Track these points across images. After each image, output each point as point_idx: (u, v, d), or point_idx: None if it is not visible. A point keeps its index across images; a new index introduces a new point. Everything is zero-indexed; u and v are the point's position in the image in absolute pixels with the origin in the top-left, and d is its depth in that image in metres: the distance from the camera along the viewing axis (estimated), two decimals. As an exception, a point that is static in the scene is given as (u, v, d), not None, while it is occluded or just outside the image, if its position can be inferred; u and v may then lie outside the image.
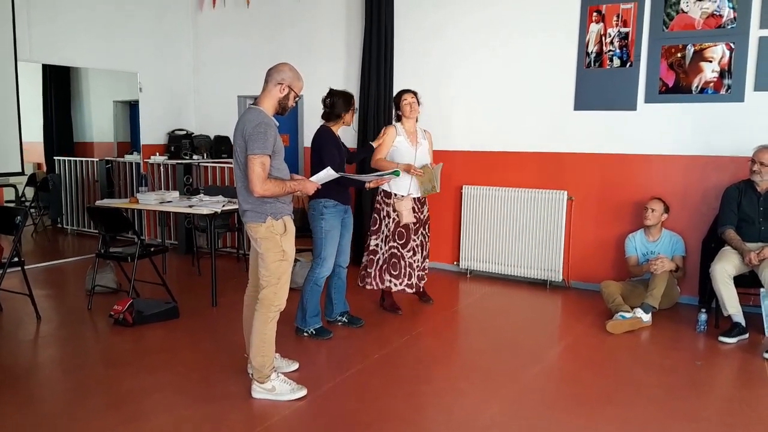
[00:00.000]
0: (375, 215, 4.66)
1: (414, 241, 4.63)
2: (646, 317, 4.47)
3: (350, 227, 4.34)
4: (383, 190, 4.59)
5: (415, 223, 4.62)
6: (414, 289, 4.72)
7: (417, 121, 4.70)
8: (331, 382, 3.48)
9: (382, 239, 4.62)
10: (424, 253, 4.76)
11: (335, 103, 4.16)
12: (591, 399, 3.34)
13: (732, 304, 4.21)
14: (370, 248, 4.65)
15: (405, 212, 4.53)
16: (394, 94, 5.97)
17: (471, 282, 5.81)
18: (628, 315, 4.43)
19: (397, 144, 4.56)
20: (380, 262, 4.62)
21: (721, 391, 3.64)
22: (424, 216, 4.73)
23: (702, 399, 3.45)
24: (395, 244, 4.58)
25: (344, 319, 4.45)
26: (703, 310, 4.45)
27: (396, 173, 4.07)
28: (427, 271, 4.88)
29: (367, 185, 4.18)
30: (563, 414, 3.15)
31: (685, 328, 4.51)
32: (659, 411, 3.21)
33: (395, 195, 4.56)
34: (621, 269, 5.21)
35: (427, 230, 4.78)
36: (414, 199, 4.59)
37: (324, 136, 4.17)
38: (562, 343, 4.34)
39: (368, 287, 4.66)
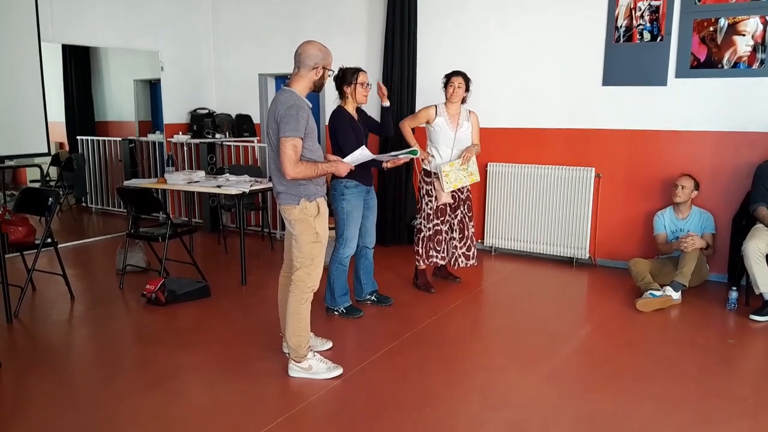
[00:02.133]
0: (418, 195, 4.74)
1: (451, 218, 4.70)
2: (676, 295, 4.45)
3: (374, 208, 4.32)
4: (423, 169, 4.63)
5: (452, 203, 4.66)
6: (451, 263, 4.83)
7: (464, 102, 4.62)
8: (365, 361, 3.51)
9: (424, 217, 4.68)
10: (466, 233, 4.78)
11: (337, 79, 4.07)
12: (625, 377, 3.35)
13: (764, 282, 4.18)
14: (417, 227, 4.76)
15: (443, 192, 4.58)
16: (418, 69, 6.03)
17: (495, 260, 5.81)
18: (658, 293, 4.42)
19: (436, 125, 4.55)
20: (425, 240, 4.69)
21: (754, 369, 3.63)
22: (464, 196, 4.74)
23: (736, 377, 3.45)
24: (437, 221, 4.66)
25: (373, 297, 4.48)
26: (734, 288, 4.43)
27: (414, 152, 3.92)
28: (473, 252, 4.83)
29: (384, 165, 4.06)
30: (598, 392, 3.17)
31: (715, 306, 4.49)
32: (694, 388, 3.22)
33: (434, 174, 4.57)
34: (649, 247, 5.18)
35: (466, 209, 4.76)
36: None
37: (337, 117, 4.06)
38: (593, 321, 4.34)
39: (418, 265, 4.76)
